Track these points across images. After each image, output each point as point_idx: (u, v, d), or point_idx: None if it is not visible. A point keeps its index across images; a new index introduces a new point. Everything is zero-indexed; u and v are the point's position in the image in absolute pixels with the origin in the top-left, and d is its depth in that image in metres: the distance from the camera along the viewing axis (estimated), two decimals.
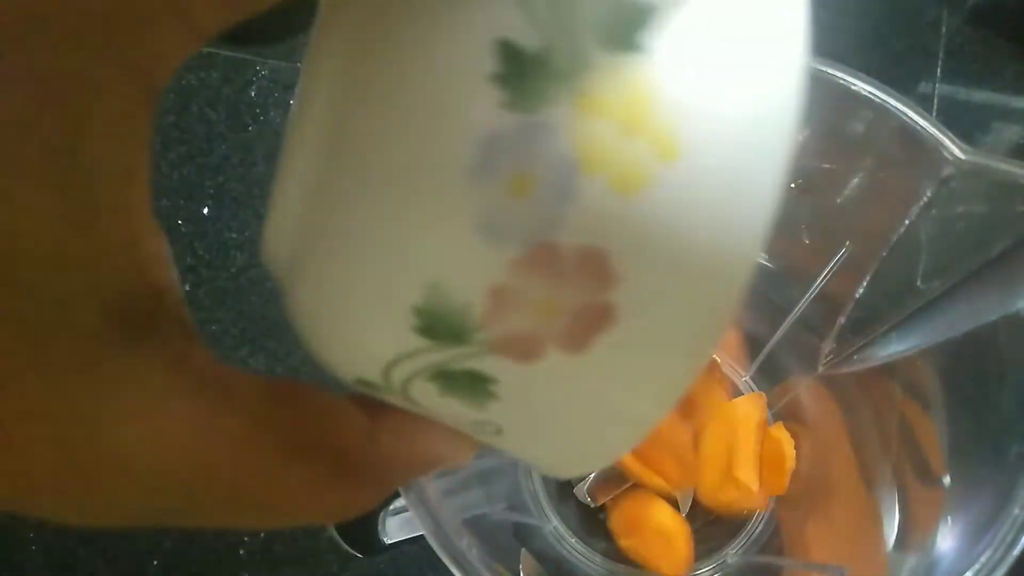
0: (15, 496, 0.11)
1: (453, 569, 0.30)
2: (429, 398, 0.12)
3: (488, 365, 0.11)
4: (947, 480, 0.32)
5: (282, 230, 0.12)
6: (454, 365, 0.11)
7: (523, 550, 0.37)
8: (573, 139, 0.10)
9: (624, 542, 0.41)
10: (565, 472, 0.15)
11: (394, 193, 0.10)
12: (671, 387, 0.12)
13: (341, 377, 0.13)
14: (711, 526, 0.42)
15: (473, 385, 0.12)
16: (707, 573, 0.41)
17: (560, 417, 0.12)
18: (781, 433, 0.41)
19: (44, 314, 0.10)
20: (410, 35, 0.10)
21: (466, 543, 0.31)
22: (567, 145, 0.10)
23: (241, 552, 0.43)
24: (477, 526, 0.33)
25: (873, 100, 0.30)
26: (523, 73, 0.10)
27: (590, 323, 0.11)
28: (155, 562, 0.43)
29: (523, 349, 0.11)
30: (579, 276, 0.10)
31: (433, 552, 0.30)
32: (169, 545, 0.43)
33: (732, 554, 0.42)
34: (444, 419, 0.13)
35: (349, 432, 0.13)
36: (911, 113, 0.28)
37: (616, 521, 0.41)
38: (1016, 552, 0.26)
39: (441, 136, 0.10)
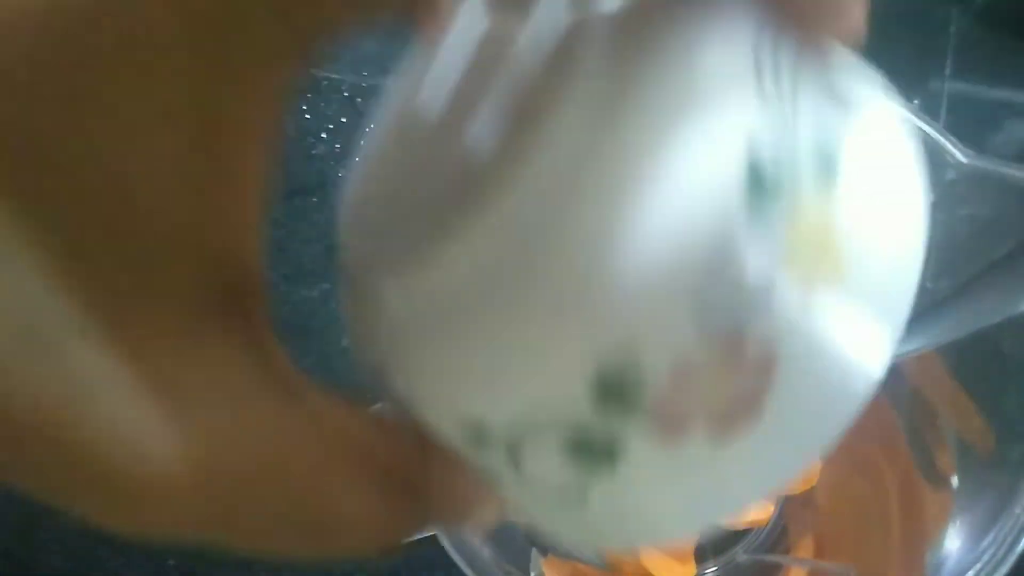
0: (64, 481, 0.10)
1: (465, 570, 0.30)
2: (542, 455, 0.12)
3: (632, 437, 0.12)
4: (955, 481, 0.32)
5: (458, 261, 0.11)
6: (599, 428, 0.12)
7: (534, 550, 0.37)
8: (783, 252, 0.11)
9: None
10: (606, 543, 0.15)
11: (633, 257, 0.11)
12: (765, 491, 0.13)
13: (433, 412, 0.13)
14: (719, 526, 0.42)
15: (603, 455, 0.12)
16: (716, 573, 0.42)
17: (655, 497, 0.13)
18: None
19: (145, 272, 0.09)
20: (670, 136, 0.11)
21: (478, 544, 0.32)
22: (777, 259, 0.11)
23: None
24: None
25: None
26: (762, 190, 0.11)
27: (741, 411, 0.12)
28: (171, 562, 0.43)
29: (673, 427, 0.12)
30: (750, 366, 0.11)
31: (446, 553, 0.30)
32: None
33: (741, 553, 0.42)
34: (529, 475, 0.13)
35: (406, 452, 0.13)
36: (914, 118, 0.28)
37: None
38: (1018, 550, 0.27)
39: (700, 227, 0.11)
